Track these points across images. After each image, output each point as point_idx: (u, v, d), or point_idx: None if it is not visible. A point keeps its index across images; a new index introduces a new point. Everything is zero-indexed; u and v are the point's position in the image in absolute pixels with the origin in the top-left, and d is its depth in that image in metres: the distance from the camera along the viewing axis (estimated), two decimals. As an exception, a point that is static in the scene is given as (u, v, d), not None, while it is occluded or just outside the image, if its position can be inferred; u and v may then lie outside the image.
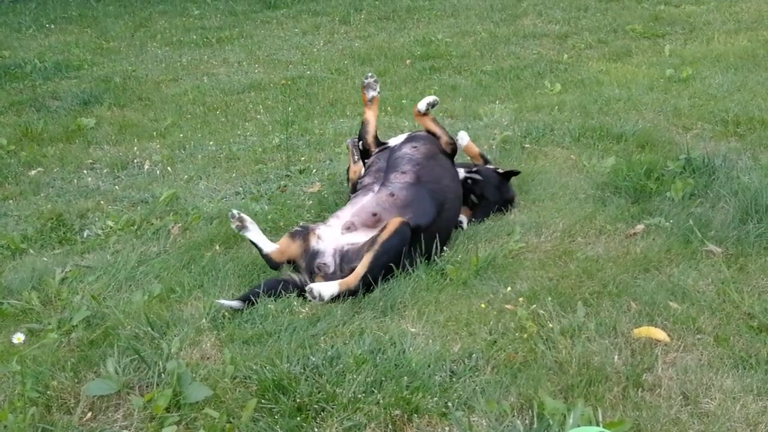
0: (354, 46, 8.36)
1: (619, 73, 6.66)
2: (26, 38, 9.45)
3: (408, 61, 7.67)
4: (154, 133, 5.82)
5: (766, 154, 4.32)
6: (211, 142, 5.45)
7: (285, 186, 4.49)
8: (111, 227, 4.15)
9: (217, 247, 3.71)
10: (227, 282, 3.30)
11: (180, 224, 4.04)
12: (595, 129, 4.93)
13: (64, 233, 4.14)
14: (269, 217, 3.98)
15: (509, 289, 3.09)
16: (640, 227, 3.44)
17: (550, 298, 2.98)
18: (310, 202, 4.13)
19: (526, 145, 4.78)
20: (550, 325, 2.83)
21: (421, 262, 3.26)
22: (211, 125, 5.98)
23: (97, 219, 4.29)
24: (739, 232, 3.32)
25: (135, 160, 5.25)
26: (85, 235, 4.11)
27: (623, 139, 4.71)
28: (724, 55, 6.88)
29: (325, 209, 4.06)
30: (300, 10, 10.21)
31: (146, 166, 5.13)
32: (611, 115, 5.26)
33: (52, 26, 9.95)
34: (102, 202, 4.51)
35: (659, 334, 2.76)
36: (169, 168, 4.96)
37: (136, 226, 4.11)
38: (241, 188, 4.55)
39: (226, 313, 3.01)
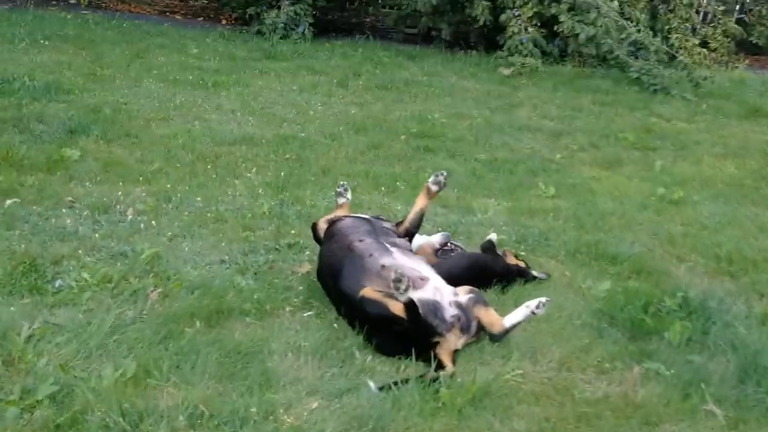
0: (350, 112, 8.32)
1: (610, 182, 6.69)
2: (18, 51, 9.23)
3: (403, 137, 7.64)
4: (140, 177, 5.64)
5: (760, 302, 4.30)
6: (198, 198, 5.29)
7: (273, 262, 4.33)
8: (86, 280, 3.94)
9: (198, 324, 3.53)
10: (208, 368, 3.12)
11: (160, 290, 3.85)
12: (590, 245, 4.89)
13: (35, 280, 3.92)
14: (255, 296, 3.81)
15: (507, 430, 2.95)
16: (637, 369, 3.36)
17: (546, 441, 2.86)
18: (299, 289, 3.97)
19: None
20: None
21: None
22: (199, 177, 5.82)
23: (72, 268, 4.08)
24: (738, 392, 3.25)
25: (118, 206, 5.06)
26: (57, 285, 3.90)
27: (618, 262, 4.67)
28: (713, 179, 6.96)
29: (313, 295, 3.91)
30: (299, 65, 10.17)
31: (129, 214, 4.94)
32: (606, 232, 5.24)
33: (47, 42, 9.75)
34: (79, 250, 4.30)
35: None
36: (153, 221, 4.78)
37: (112, 284, 3.91)
38: (227, 256, 4.38)
39: (205, 411, 2.82)
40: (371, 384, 3.10)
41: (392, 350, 3.46)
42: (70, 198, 5.18)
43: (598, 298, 4.15)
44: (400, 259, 3.78)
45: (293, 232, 4.81)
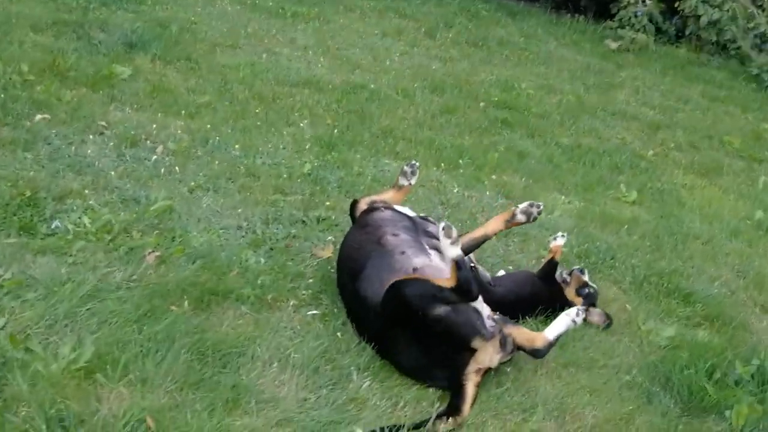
0: (431, 67, 7.66)
1: (703, 194, 5.92)
2: (101, -50, 8.85)
3: (482, 104, 6.97)
4: (184, 110, 5.21)
5: None
6: (237, 145, 4.81)
7: (293, 238, 3.84)
8: (85, 226, 3.56)
9: (186, 305, 3.08)
10: (174, 368, 2.67)
11: (158, 253, 3.42)
12: (662, 275, 4.22)
13: (30, 216, 3.55)
14: (260, 280, 3.34)
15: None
16: None
17: None
18: (311, 279, 3.46)
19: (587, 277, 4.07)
20: None
21: None
22: (247, 119, 5.35)
23: (74, 209, 3.70)
24: None
25: (148, 141, 4.64)
26: (52, 226, 3.53)
27: (691, 302, 4.00)
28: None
29: (325, 289, 3.41)
30: (388, 6, 9.46)
31: (158, 152, 4.53)
32: (685, 260, 4.54)
33: (133, -56, 9.33)
34: (89, 188, 3.91)
35: None
36: (178, 167, 4.35)
37: (110, 236, 3.51)
38: (246, 222, 3.92)
39: (149, 427, 2.37)
40: None
41: (414, 364, 2.98)
42: (103, 123, 4.80)
43: (658, 347, 3.53)
44: (439, 263, 3.25)
45: (328, 203, 4.30)
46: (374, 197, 3.79)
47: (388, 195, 3.83)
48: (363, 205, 3.72)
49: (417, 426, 2.65)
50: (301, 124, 5.52)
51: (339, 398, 2.74)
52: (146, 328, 2.87)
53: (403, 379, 2.93)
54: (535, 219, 3.60)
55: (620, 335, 3.57)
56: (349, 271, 3.30)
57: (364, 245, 3.37)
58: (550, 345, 3.12)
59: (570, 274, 3.66)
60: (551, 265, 3.65)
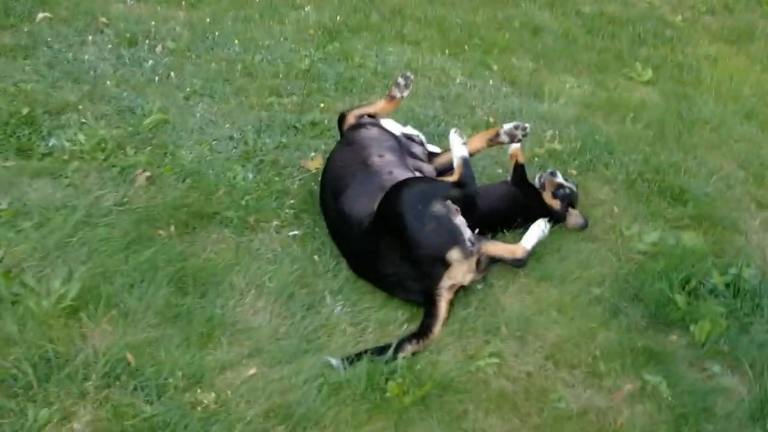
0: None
1: (726, 67, 5.71)
2: None
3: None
4: (185, 1, 5.17)
5: None
6: (236, 41, 4.79)
7: (285, 147, 3.89)
8: (80, 144, 3.67)
9: (172, 229, 3.24)
10: (156, 301, 2.85)
11: (148, 173, 3.54)
12: (658, 171, 4.18)
13: (28, 136, 3.68)
14: (245, 200, 3.45)
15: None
16: (629, 387, 2.86)
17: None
18: (294, 198, 3.53)
19: (572, 171, 4.08)
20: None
21: None
22: (252, 7, 5.29)
23: (71, 124, 3.82)
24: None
25: (147, 40, 4.66)
26: (49, 145, 3.65)
27: (682, 201, 3.98)
28: None
29: (307, 208, 3.50)
30: None
31: (157, 51, 4.56)
32: (687, 150, 4.46)
33: None
34: (83, 103, 3.98)
35: None
36: (173, 72, 4.38)
37: (104, 155, 3.63)
38: (238, 132, 3.97)
39: (130, 363, 2.59)
40: (333, 361, 2.76)
41: (392, 273, 3.09)
42: (104, 19, 4.83)
43: (638, 254, 3.57)
44: None
45: (322, 105, 4.32)
46: (363, 110, 3.79)
47: (379, 106, 3.82)
48: (351, 119, 3.74)
49: (380, 350, 2.81)
50: (307, 8, 5.43)
51: (310, 325, 2.90)
52: (132, 257, 3.03)
53: (373, 301, 3.07)
54: (519, 141, 3.62)
55: (600, 243, 3.61)
56: (334, 188, 3.38)
57: (349, 164, 3.44)
58: (529, 254, 3.31)
59: (543, 179, 3.68)
60: (519, 169, 3.65)
